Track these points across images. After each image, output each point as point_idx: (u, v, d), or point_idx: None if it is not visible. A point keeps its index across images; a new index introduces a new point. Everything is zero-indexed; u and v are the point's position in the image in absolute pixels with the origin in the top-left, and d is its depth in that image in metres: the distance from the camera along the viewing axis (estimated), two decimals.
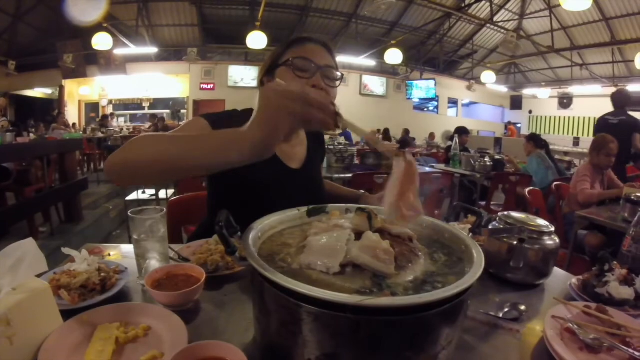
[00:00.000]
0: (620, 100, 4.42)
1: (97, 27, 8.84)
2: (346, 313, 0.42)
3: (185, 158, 0.67)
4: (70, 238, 3.94)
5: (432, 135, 12.99)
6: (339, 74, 1.17)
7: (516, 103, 17.38)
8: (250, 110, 1.25)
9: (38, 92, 13.72)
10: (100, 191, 5.95)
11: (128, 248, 1.13)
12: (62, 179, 4.40)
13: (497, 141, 8.65)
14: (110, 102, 13.87)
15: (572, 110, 15.68)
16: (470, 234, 0.71)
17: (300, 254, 0.55)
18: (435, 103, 15.91)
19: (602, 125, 4.38)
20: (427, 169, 4.35)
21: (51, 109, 13.25)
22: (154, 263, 0.86)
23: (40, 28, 11.34)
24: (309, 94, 0.59)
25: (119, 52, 11.37)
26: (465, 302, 0.51)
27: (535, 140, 4.48)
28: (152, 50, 11.71)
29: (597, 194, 3.07)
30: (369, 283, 0.51)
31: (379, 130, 11.86)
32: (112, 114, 11.75)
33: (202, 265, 0.86)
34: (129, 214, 0.86)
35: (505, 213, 1.06)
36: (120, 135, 8.51)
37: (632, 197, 2.35)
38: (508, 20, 12.67)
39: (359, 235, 0.56)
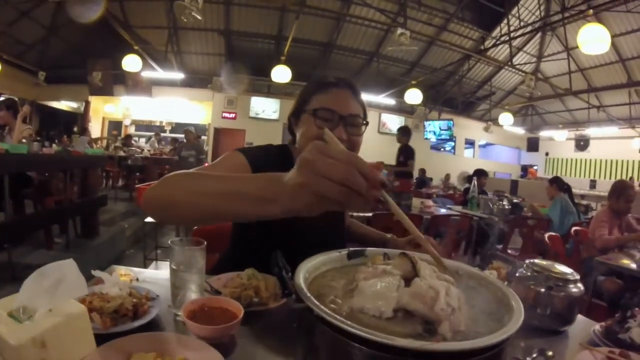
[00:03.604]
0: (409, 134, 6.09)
1: (128, 49, 9.17)
2: (407, 357, 0.44)
3: (219, 209, 0.66)
4: (85, 252, 3.96)
5: (447, 177, 12.97)
6: (361, 121, 1.15)
7: (533, 145, 17.34)
8: (285, 147, 1.26)
9: (64, 105, 14.13)
10: (117, 209, 6.04)
11: (152, 273, 1.14)
12: (82, 194, 4.43)
13: (514, 183, 8.58)
14: (133, 122, 14.25)
15: (589, 152, 15.62)
16: (506, 282, 0.72)
17: (350, 298, 0.57)
18: (452, 143, 15.87)
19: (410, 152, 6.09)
20: (444, 211, 4.34)
21: (75, 123, 13.63)
22: (189, 294, 0.85)
23: (72, 43, 11.70)
24: (355, 175, 0.49)
25: (147, 74, 11.75)
26: (510, 345, 0.52)
27: (558, 184, 4.45)
28: (179, 75, 12.08)
29: (614, 240, 3.07)
30: (420, 328, 0.53)
31: None
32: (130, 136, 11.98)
33: (235, 300, 0.85)
34: (169, 243, 0.85)
35: (532, 260, 1.08)
36: (141, 155, 8.64)
37: None
38: (526, 63, 12.82)
39: (407, 281, 0.58)
